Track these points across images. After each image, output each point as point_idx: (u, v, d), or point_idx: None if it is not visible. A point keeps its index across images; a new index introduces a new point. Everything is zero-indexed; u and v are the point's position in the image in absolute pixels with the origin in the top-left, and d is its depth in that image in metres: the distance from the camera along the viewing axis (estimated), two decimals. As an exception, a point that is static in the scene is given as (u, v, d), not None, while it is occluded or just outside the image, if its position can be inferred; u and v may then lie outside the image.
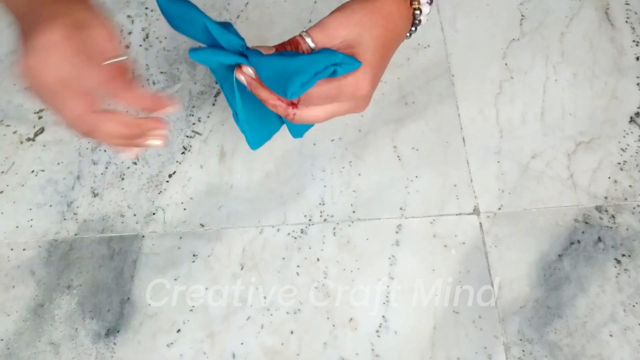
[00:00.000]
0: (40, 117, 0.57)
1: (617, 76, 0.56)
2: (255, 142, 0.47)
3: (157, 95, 0.36)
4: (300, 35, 0.38)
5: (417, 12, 0.40)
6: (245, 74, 0.38)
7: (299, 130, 0.48)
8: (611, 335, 0.44)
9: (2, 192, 0.53)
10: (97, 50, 0.34)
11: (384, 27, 0.38)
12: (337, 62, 0.36)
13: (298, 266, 0.48)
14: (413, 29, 0.41)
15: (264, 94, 0.38)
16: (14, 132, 0.56)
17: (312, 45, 0.37)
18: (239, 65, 0.38)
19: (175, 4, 0.37)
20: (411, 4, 0.40)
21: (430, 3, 0.40)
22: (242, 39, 0.38)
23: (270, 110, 0.40)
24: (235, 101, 0.42)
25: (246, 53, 0.37)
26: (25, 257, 0.50)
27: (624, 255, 0.47)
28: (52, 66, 0.32)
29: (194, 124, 0.55)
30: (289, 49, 0.38)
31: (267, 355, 0.45)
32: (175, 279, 0.48)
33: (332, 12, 0.38)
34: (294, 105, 0.38)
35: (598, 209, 0.49)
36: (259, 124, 0.46)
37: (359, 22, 0.37)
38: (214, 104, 0.56)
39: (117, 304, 0.47)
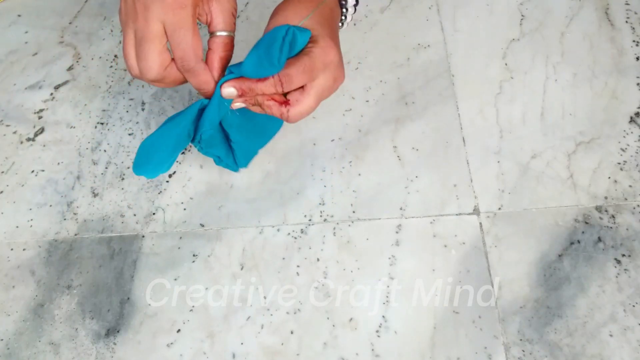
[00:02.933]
0: (40, 117, 0.57)
1: (617, 76, 0.56)
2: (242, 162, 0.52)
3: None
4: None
5: (343, 2, 0.45)
6: (231, 86, 0.40)
7: (243, 159, 0.51)
8: (611, 335, 0.44)
9: (2, 192, 0.53)
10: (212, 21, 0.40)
11: (321, 14, 0.42)
12: (289, 28, 0.39)
13: (298, 266, 0.48)
14: (343, 18, 0.46)
15: (259, 87, 0.39)
16: (14, 132, 0.56)
17: None
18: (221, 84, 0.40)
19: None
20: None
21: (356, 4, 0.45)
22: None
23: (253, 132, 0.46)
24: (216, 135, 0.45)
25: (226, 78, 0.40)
26: (25, 257, 0.50)
27: (624, 255, 0.47)
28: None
29: (194, 124, 0.56)
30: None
31: (267, 355, 0.44)
32: (175, 279, 0.48)
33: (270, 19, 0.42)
34: (286, 103, 0.40)
35: (598, 209, 0.49)
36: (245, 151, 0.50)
37: (295, 14, 0.41)
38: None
39: (117, 304, 0.47)
